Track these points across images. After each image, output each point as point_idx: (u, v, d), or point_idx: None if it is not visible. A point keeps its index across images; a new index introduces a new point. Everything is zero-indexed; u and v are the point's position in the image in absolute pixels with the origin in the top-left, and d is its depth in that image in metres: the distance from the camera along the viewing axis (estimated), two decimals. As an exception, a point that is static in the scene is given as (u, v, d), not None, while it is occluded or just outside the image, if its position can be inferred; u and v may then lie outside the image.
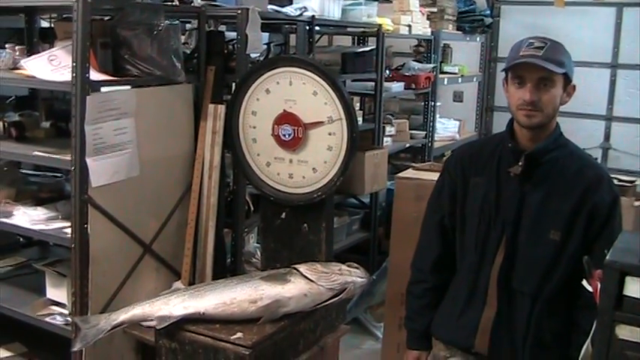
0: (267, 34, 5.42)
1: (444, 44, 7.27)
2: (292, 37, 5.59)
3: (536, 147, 2.51)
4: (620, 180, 3.84)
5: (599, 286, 1.87)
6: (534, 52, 2.42)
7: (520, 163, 2.50)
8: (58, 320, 3.50)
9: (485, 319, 2.57)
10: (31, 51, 3.92)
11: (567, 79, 2.48)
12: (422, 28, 6.58)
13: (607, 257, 1.83)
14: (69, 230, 3.30)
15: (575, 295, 2.46)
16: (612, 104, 7.49)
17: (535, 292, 2.51)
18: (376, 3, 5.88)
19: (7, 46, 3.65)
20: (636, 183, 3.98)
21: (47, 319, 3.52)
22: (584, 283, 2.00)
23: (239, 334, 2.66)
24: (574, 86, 2.52)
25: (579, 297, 2.44)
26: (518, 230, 2.53)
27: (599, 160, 7.01)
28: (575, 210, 2.47)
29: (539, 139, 2.51)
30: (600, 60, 7.42)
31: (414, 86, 6.42)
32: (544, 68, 2.39)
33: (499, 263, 2.55)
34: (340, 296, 2.89)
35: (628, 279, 1.79)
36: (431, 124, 6.84)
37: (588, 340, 1.93)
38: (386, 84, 5.93)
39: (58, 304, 3.58)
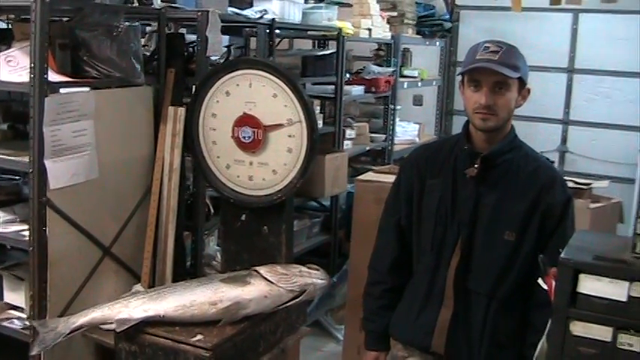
0: (227, 36, 5.42)
1: (404, 48, 7.32)
2: (253, 40, 5.60)
3: (492, 149, 2.54)
4: (576, 183, 3.91)
5: (553, 284, 1.90)
6: (490, 56, 2.45)
7: (476, 165, 2.54)
8: (16, 324, 3.46)
9: (442, 319, 2.60)
10: (-13, 52, 3.86)
11: (522, 82, 2.52)
12: (382, 32, 6.63)
13: (561, 255, 1.87)
14: (27, 233, 3.26)
15: (530, 295, 2.51)
16: (569, 108, 7.60)
17: (491, 292, 2.55)
18: (337, 7, 5.90)
19: (-37, 47, 3.60)
20: (592, 186, 4.04)
21: (5, 324, 3.48)
22: (540, 281, 2.04)
23: (199, 337, 2.66)
24: (529, 89, 2.57)
25: (534, 296, 2.48)
26: (474, 231, 2.56)
27: (556, 164, 7.11)
28: (529, 211, 2.51)
29: (495, 141, 2.55)
30: (557, 65, 7.53)
31: (374, 90, 6.46)
32: (500, 73, 2.43)
33: (455, 264, 2.58)
34: (300, 298, 2.91)
35: (582, 276, 1.83)
36: (391, 127, 6.88)
37: (544, 337, 1.96)
38: (346, 87, 5.95)
39: (15, 308, 3.53)
